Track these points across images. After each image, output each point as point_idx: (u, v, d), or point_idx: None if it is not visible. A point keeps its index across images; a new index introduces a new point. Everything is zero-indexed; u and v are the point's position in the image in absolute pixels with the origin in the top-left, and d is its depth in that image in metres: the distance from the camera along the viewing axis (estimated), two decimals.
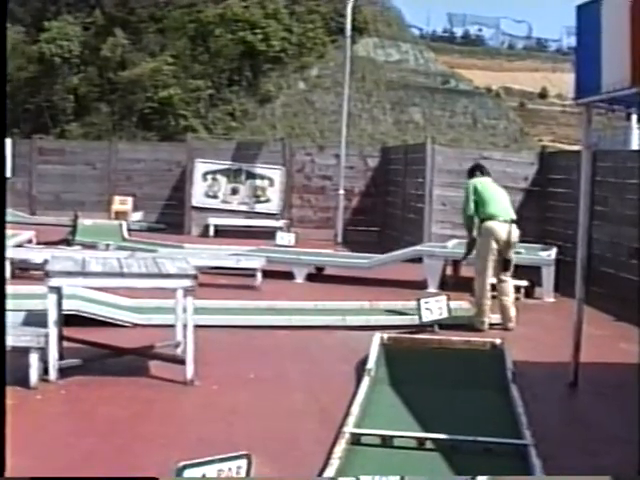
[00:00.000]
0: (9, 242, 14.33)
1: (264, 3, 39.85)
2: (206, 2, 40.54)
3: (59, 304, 7.11)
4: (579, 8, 7.10)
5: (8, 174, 22.98)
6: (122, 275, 6.93)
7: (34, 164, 24.07)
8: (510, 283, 10.25)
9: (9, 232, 16.28)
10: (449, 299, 9.56)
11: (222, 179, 21.95)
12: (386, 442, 5.45)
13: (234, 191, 22.08)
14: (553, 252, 13.07)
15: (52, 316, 6.80)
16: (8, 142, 24.38)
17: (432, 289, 12.60)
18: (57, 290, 6.95)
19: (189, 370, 7.01)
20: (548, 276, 12.50)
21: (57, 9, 44.47)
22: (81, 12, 43.84)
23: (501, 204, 10.20)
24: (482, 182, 10.36)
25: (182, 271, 7.10)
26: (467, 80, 47.42)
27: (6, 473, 3.83)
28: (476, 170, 10.65)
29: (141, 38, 41.44)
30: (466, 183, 10.51)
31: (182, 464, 3.91)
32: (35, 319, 7.18)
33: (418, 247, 14.20)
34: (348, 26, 22.54)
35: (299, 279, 13.56)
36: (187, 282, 6.96)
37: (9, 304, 8.69)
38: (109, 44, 40.43)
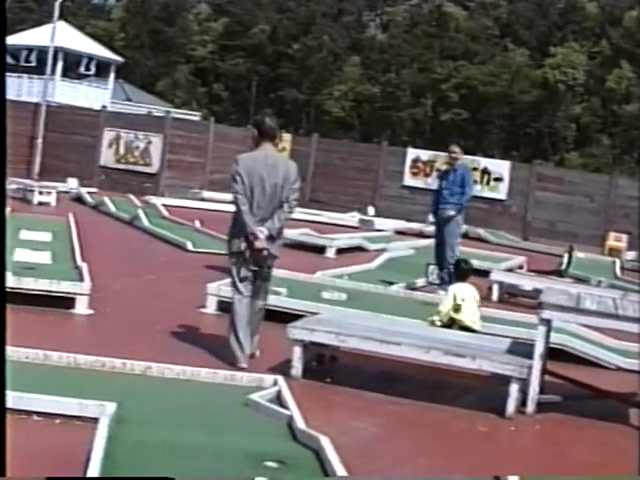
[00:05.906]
0: (500, 265, 14.58)
1: None
2: None
3: (547, 337, 7.04)
4: None
5: (503, 196, 23.62)
6: (617, 317, 6.75)
7: (532, 189, 24.31)
8: None
9: (501, 255, 16.62)
10: None
11: None
12: None
13: None
14: None
15: (539, 348, 6.76)
16: (506, 164, 25.08)
17: None
18: (548, 323, 6.90)
19: None
20: None
21: (563, 35, 44.76)
22: (587, 40, 43.71)
23: None
24: None
25: None
26: None
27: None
28: None
29: None
30: None
31: None
32: (520, 348, 7.16)
33: None
34: None
35: None
36: None
37: (495, 329, 8.83)
38: (615, 76, 39.92)
